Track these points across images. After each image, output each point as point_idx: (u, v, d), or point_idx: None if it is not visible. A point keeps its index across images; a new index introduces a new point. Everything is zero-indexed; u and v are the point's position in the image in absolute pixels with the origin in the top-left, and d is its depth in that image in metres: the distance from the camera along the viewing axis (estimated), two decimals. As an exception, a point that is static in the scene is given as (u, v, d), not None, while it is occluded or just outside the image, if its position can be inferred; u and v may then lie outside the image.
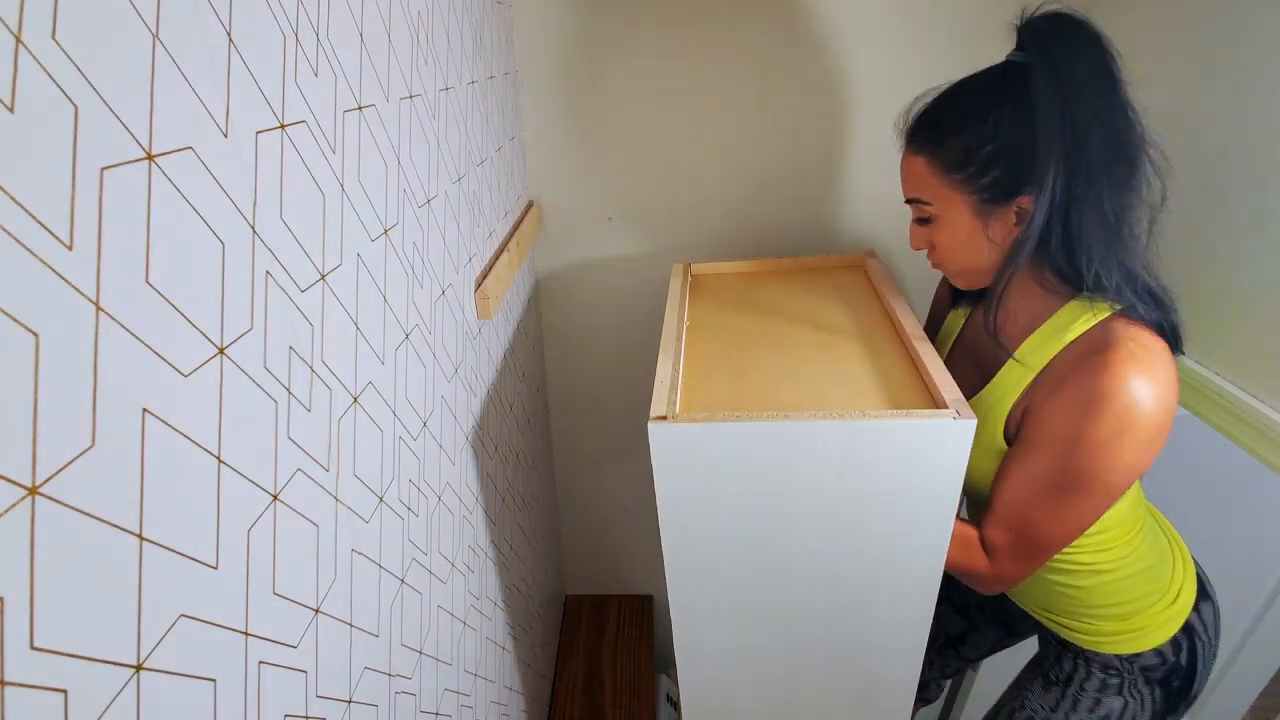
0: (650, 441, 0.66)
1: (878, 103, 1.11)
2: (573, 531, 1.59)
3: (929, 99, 0.76)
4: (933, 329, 0.99)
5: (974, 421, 0.63)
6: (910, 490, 0.67)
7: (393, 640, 0.58)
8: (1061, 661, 0.92)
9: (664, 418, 0.65)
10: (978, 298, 0.86)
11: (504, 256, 0.94)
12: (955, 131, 0.71)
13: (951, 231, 0.75)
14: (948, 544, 0.71)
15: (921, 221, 0.78)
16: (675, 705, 1.53)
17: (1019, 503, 0.71)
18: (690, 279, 1.01)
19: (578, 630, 1.58)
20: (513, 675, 1.07)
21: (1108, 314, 0.68)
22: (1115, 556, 0.80)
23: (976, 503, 0.83)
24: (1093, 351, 0.66)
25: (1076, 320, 0.70)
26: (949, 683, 1.37)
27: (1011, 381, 0.74)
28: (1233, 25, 0.80)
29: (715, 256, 1.23)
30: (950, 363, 0.89)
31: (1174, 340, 0.68)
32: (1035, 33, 0.66)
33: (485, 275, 0.88)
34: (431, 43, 0.68)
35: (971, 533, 0.75)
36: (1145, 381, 0.63)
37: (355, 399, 0.50)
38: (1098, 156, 0.65)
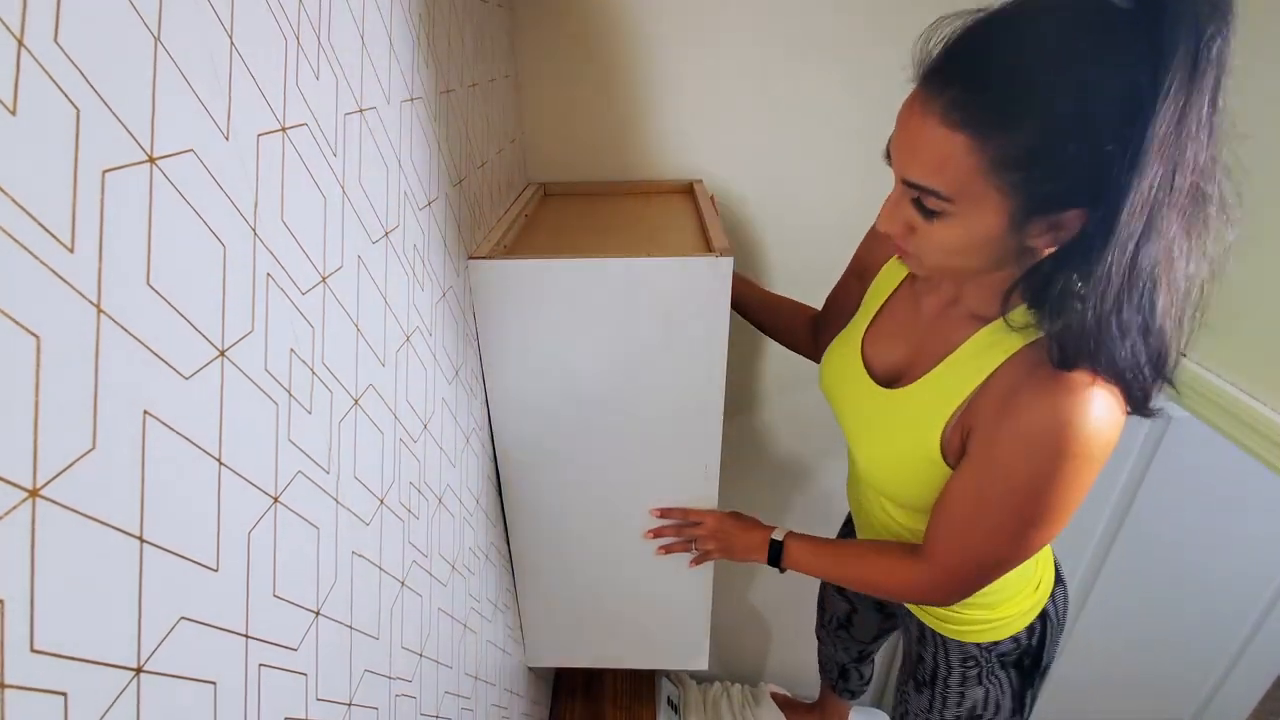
0: (470, 279, 0.79)
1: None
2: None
3: (971, 23, 0.52)
4: (859, 269, 0.87)
5: (730, 259, 0.75)
6: (688, 321, 0.80)
7: (393, 643, 0.58)
8: (923, 659, 0.93)
9: (481, 256, 0.79)
10: None
11: (504, 258, 0.94)
12: (1024, 113, 0.48)
13: (963, 233, 0.55)
14: (724, 366, 0.81)
15: (924, 213, 0.56)
16: (675, 708, 1.53)
17: (974, 539, 0.66)
18: (543, 192, 1.16)
19: (578, 633, 1.58)
20: (513, 678, 1.07)
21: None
22: None
23: (898, 501, 0.77)
24: (1048, 379, 0.56)
25: (1026, 323, 0.59)
26: (871, 672, 1.39)
27: (951, 385, 0.65)
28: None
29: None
30: (876, 321, 0.79)
31: (1130, 397, 0.56)
32: None
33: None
34: (432, 45, 0.68)
35: (903, 566, 0.74)
36: (1101, 419, 0.55)
37: (356, 401, 0.50)
38: (1193, 178, 0.48)
